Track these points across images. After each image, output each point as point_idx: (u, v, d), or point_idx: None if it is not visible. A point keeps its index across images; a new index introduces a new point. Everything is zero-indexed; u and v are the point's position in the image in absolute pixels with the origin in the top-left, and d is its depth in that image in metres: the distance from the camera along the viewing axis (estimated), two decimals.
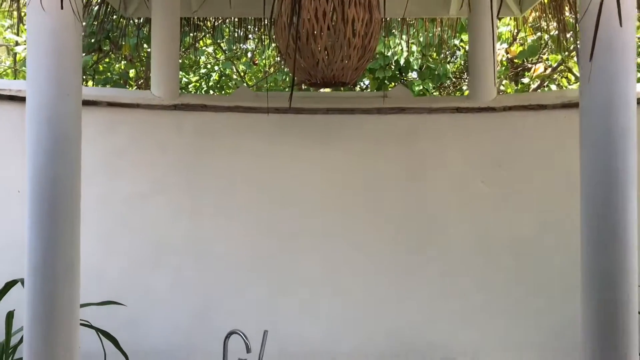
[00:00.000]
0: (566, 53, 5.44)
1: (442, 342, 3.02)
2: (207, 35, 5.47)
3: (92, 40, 4.82)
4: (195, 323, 2.98)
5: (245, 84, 6.40)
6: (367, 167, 3.08)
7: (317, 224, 3.05)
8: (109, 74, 5.50)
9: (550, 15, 3.76)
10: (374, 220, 3.07)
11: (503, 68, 5.99)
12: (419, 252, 3.06)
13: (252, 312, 3.01)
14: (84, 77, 5.35)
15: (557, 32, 4.03)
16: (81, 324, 2.66)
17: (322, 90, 3.79)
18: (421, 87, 5.79)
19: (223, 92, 6.32)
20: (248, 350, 2.67)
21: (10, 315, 2.41)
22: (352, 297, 3.05)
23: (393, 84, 5.82)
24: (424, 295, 3.05)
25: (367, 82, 6.22)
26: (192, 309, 2.98)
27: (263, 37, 4.57)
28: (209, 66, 6.74)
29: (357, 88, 6.24)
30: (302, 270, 3.04)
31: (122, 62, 5.70)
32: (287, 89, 5.39)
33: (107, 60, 5.60)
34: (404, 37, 5.10)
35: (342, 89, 3.16)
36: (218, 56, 6.77)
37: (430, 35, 5.10)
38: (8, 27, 5.97)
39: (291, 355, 3.01)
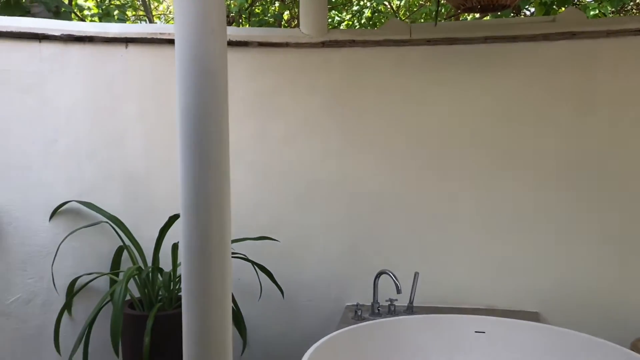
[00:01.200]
0: None
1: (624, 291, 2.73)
2: None
3: None
4: (345, 260, 2.99)
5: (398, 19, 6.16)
6: (530, 100, 2.79)
7: (474, 161, 2.86)
8: (263, 16, 5.59)
9: None
10: (538, 160, 2.80)
11: None
12: (589, 198, 2.75)
13: (403, 252, 2.94)
14: (240, 20, 5.50)
15: None
16: (238, 257, 2.82)
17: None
18: (597, 12, 5.12)
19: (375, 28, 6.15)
20: (398, 291, 2.63)
21: (175, 247, 2.60)
22: (511, 242, 2.85)
23: (562, 8, 5.22)
24: (597, 252, 2.76)
25: (532, 9, 5.66)
26: (343, 247, 2.99)
27: None
28: (361, 3, 6.59)
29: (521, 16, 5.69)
30: (458, 211, 2.89)
31: (276, 3, 5.76)
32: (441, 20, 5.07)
33: (261, 2, 5.69)
34: None
35: (501, 14, 2.86)
36: None
37: None
38: None
39: (443, 299, 2.91)
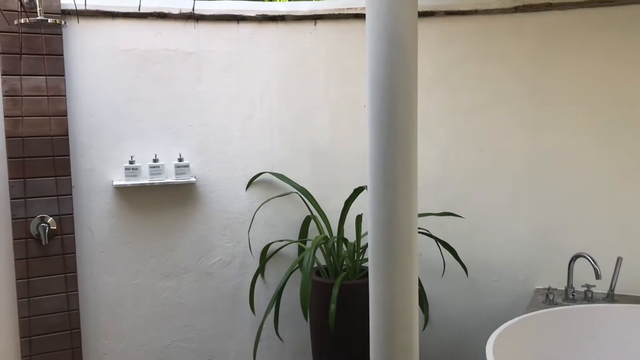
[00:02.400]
0: None
1: None
2: None
3: None
4: (536, 241, 2.81)
5: None
6: None
7: None
8: None
9: None
10: None
11: None
12: None
13: (603, 235, 2.68)
14: None
15: None
16: (421, 233, 2.79)
17: None
18: None
19: None
20: (597, 276, 2.41)
21: (359, 219, 2.65)
22: None
23: None
24: None
25: None
26: (533, 226, 2.81)
27: None
28: None
29: None
30: None
31: None
32: None
33: None
34: None
35: None
36: None
37: None
38: None
39: None
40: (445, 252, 2.78)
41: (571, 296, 2.59)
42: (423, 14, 2.85)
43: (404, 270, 1.73)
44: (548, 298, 2.60)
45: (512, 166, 2.83)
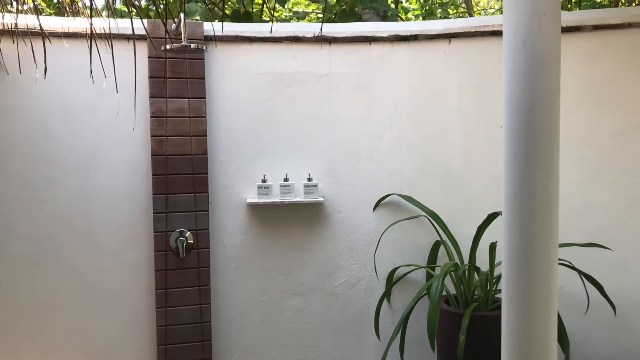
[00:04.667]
0: None
1: None
2: None
3: None
4: None
5: None
6: None
7: None
8: None
9: None
10: None
11: None
12: None
13: None
14: (568, 5, 5.05)
15: None
16: (562, 264, 2.57)
17: None
18: None
19: None
20: None
21: (493, 247, 2.50)
22: None
23: None
24: None
25: None
26: None
27: None
28: None
29: None
30: None
31: None
32: None
33: None
34: None
35: None
36: None
37: None
38: None
39: None
40: (589, 286, 2.54)
41: None
42: (568, 29, 2.66)
43: (542, 304, 1.58)
44: None
45: None
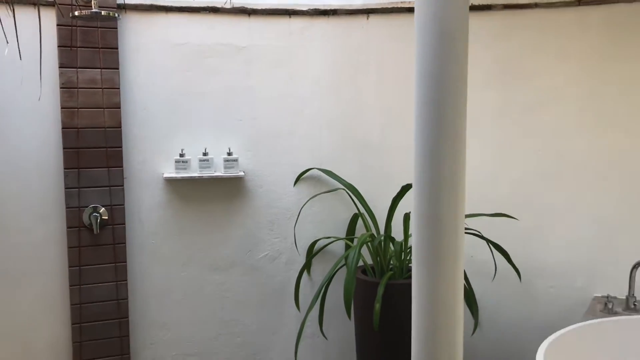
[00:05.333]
0: None
1: None
2: None
3: None
4: (595, 246, 2.67)
5: None
6: None
7: None
8: None
9: None
10: None
11: None
12: None
13: None
14: None
15: None
16: (472, 234, 2.70)
17: None
18: None
19: None
20: None
21: (407, 217, 2.58)
22: None
23: None
24: None
25: None
26: (593, 230, 2.67)
27: None
28: None
29: None
30: None
31: None
32: None
33: None
34: None
35: None
36: None
37: None
38: None
39: None
40: (497, 255, 2.68)
41: (632, 305, 2.44)
42: (479, 8, 2.75)
43: (449, 270, 1.66)
44: (607, 307, 2.46)
45: (571, 166, 2.70)
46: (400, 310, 2.50)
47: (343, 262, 2.65)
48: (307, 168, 2.95)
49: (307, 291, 3.00)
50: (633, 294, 2.45)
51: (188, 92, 2.80)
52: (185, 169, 2.76)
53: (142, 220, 2.79)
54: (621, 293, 2.60)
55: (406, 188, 2.53)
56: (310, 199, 2.93)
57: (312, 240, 2.96)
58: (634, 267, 2.44)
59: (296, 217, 2.93)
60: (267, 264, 2.97)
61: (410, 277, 2.60)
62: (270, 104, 2.91)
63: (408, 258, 2.67)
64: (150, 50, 2.73)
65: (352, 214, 2.97)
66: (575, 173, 2.69)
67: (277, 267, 2.98)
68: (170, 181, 2.80)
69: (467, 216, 2.65)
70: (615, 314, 2.40)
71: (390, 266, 2.70)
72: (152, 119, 2.76)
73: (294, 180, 2.95)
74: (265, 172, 2.93)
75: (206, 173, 2.78)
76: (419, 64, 1.63)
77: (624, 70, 2.58)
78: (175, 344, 2.90)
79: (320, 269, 3.01)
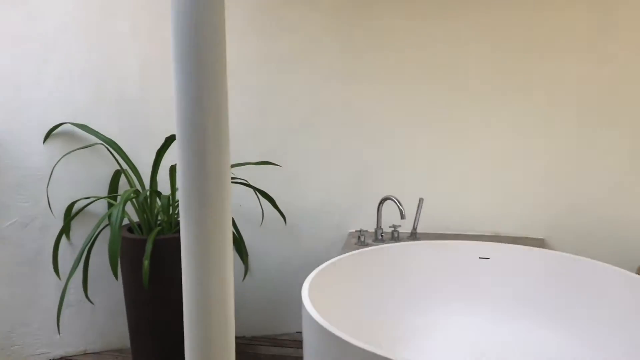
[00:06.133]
0: None
1: (630, 216, 2.67)
2: None
3: None
4: (349, 187, 2.93)
5: None
6: (537, 23, 2.63)
7: (482, 86, 2.74)
8: None
9: None
10: (546, 81, 2.67)
11: None
12: (600, 123, 2.64)
13: (408, 179, 2.87)
14: None
15: None
16: (239, 183, 2.75)
17: None
18: None
19: None
20: (402, 216, 2.57)
21: (172, 170, 2.51)
22: (518, 168, 2.77)
23: None
24: (605, 179, 2.68)
25: None
26: (347, 173, 2.92)
27: None
28: None
29: None
30: (464, 138, 2.80)
31: None
32: None
33: None
34: None
35: None
36: None
37: None
38: None
39: (447, 225, 2.87)
40: (264, 201, 2.78)
41: (380, 237, 2.75)
42: None
43: (217, 220, 1.66)
44: (360, 240, 2.73)
45: (326, 117, 2.88)
46: (171, 264, 2.46)
47: (106, 221, 2.50)
48: (59, 123, 2.68)
49: (68, 257, 2.78)
50: (380, 227, 2.76)
51: None
52: None
53: None
54: (372, 227, 2.91)
55: (170, 140, 2.45)
56: (63, 156, 2.67)
57: (70, 202, 2.72)
58: (380, 203, 2.74)
59: (48, 177, 2.66)
60: (17, 231, 2.67)
61: (179, 230, 2.57)
62: (7, 49, 2.54)
63: (176, 212, 2.62)
64: None
65: (113, 171, 2.80)
66: (329, 123, 2.89)
67: (30, 234, 2.69)
68: None
69: (234, 166, 2.69)
70: (367, 245, 2.68)
71: (159, 221, 2.63)
72: None
73: (44, 136, 2.66)
74: (5, 128, 2.58)
75: None
76: (175, 11, 1.56)
77: (371, 22, 2.80)
78: None
79: (81, 233, 2.79)
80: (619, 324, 2.04)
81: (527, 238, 2.76)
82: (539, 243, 2.71)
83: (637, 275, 2.02)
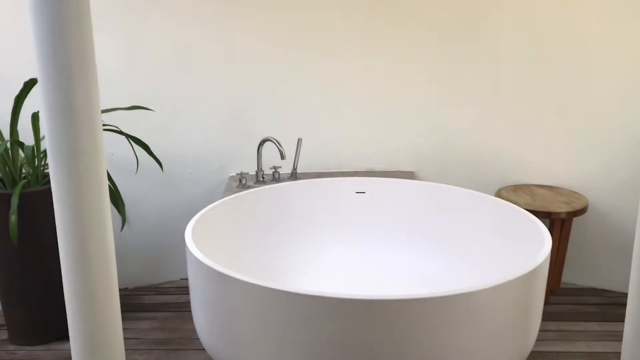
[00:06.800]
0: None
1: (490, 146, 2.91)
2: None
3: None
4: (227, 130, 2.90)
5: None
6: None
7: (358, 34, 2.79)
8: None
9: None
10: (412, 15, 2.78)
11: None
12: (462, 58, 2.82)
13: (286, 119, 2.90)
14: None
15: None
16: (110, 130, 2.62)
17: None
18: None
19: None
20: (282, 157, 2.61)
21: (35, 117, 2.34)
22: (389, 104, 2.89)
23: None
24: (468, 111, 2.88)
25: None
26: (224, 116, 2.88)
27: None
28: None
29: None
30: (337, 77, 2.86)
31: None
32: None
33: None
34: None
35: None
36: None
37: None
38: None
39: (325, 164, 2.95)
40: (138, 149, 2.68)
41: (261, 178, 2.78)
42: None
43: (90, 170, 1.59)
44: (241, 183, 2.74)
45: (199, 56, 2.80)
46: (40, 217, 2.33)
47: None
48: None
49: None
50: (261, 168, 2.78)
51: None
52: None
53: None
54: (252, 169, 2.92)
55: (30, 84, 2.26)
56: None
57: None
58: (260, 145, 2.75)
59: None
60: None
61: (49, 182, 2.42)
62: None
63: (43, 163, 2.46)
64: None
65: None
66: (204, 65, 2.81)
67: None
68: None
69: (103, 112, 2.55)
70: (248, 187, 2.70)
71: (24, 174, 2.45)
72: None
73: None
74: None
75: None
76: None
77: None
78: None
79: None
80: (482, 240, 2.26)
81: (398, 172, 2.93)
82: (410, 175, 2.89)
83: (497, 199, 2.24)
